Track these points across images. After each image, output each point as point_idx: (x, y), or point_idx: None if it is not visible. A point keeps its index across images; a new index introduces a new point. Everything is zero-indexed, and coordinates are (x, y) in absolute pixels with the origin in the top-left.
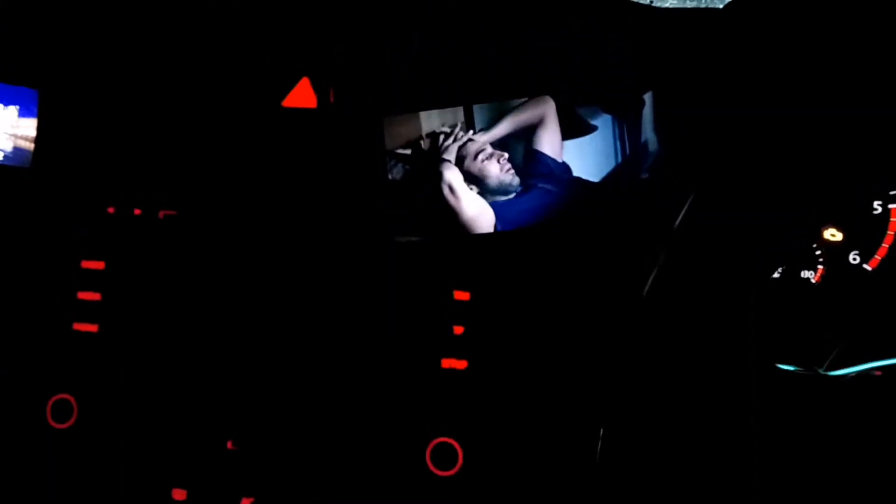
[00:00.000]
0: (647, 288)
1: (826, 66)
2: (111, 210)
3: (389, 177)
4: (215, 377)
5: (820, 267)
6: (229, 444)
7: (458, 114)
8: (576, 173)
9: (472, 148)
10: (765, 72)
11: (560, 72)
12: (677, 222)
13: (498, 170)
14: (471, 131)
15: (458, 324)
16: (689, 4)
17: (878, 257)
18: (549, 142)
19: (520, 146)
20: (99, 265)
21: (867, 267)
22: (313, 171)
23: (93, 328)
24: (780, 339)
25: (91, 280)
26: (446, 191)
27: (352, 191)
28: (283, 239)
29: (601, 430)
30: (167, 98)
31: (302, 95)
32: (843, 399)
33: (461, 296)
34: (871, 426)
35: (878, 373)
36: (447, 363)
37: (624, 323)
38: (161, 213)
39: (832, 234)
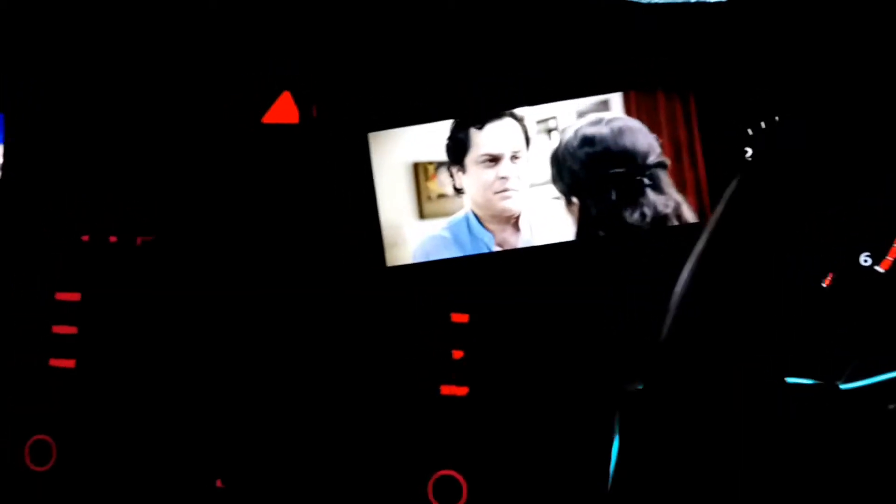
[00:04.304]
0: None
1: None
2: (85, 238)
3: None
4: (201, 412)
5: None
6: (218, 483)
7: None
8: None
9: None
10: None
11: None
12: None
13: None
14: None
15: (457, 348)
16: None
17: (889, 259)
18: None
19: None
20: (75, 297)
21: (879, 269)
22: (297, 190)
23: (70, 364)
24: (791, 349)
25: (66, 313)
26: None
27: (338, 210)
28: (268, 262)
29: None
30: (141, 118)
31: (283, 111)
32: (859, 411)
33: (459, 318)
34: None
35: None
36: (447, 390)
37: (628, 341)
38: (139, 240)
39: None
